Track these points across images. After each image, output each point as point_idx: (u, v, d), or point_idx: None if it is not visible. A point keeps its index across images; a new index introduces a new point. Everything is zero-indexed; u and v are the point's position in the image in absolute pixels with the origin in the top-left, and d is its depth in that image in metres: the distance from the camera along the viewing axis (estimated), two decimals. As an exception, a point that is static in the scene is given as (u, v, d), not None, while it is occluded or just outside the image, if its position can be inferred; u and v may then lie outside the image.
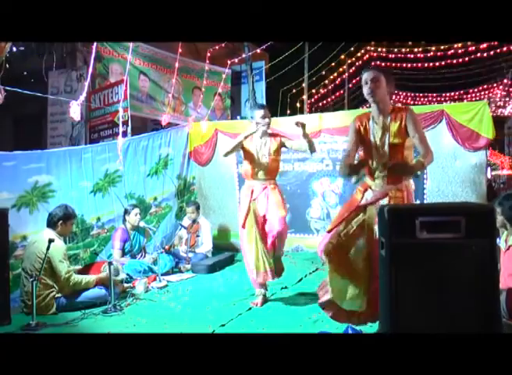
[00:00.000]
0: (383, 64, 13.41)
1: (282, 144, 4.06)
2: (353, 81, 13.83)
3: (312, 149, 3.83)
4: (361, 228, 2.89)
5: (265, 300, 4.10)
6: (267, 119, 3.97)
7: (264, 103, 9.44)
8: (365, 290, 2.86)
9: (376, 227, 2.72)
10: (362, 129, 2.99)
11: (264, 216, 4.02)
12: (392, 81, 3.00)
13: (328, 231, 3.00)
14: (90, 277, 4.08)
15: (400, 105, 6.00)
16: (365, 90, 2.88)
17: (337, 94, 14.97)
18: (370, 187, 2.97)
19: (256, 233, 3.94)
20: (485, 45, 11.07)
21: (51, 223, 4.06)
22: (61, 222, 4.06)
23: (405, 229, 2.07)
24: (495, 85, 15.08)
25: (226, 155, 4.08)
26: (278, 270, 4.14)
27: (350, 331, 3.14)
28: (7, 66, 4.69)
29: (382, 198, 2.87)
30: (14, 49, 5.93)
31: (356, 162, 3.05)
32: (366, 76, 2.87)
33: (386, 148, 2.84)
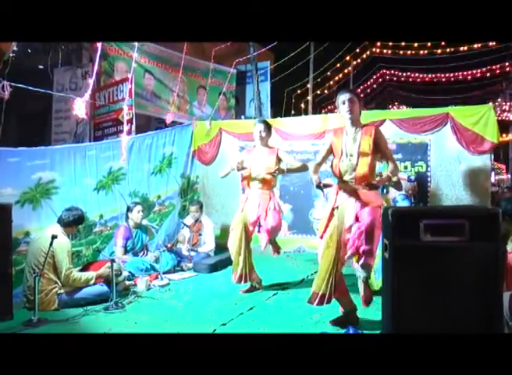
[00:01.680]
0: (388, 66, 13.40)
1: (278, 158, 4.29)
2: (360, 82, 13.83)
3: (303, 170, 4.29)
4: (337, 226, 3.32)
5: (253, 289, 4.45)
6: (263, 134, 4.32)
7: (268, 112, 9.57)
8: (331, 274, 3.31)
9: (345, 220, 3.28)
10: (336, 140, 3.44)
11: (255, 222, 4.33)
12: (362, 102, 3.48)
13: (321, 236, 3.42)
14: (90, 274, 4.10)
15: (397, 108, 5.99)
16: (343, 109, 3.32)
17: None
18: (341, 189, 3.38)
19: (242, 237, 4.30)
20: (491, 48, 11.03)
21: (65, 222, 4.10)
22: (74, 225, 4.23)
23: (409, 231, 2.07)
24: (500, 89, 15.03)
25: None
26: (249, 276, 4.37)
27: (351, 331, 3.15)
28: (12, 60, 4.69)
29: (352, 196, 3.30)
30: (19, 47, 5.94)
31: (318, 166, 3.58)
32: (343, 97, 3.31)
33: (355, 155, 3.27)
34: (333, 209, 3.37)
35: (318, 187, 3.36)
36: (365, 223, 3.18)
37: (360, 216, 3.23)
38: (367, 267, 3.29)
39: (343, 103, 3.30)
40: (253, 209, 4.29)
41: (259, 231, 4.36)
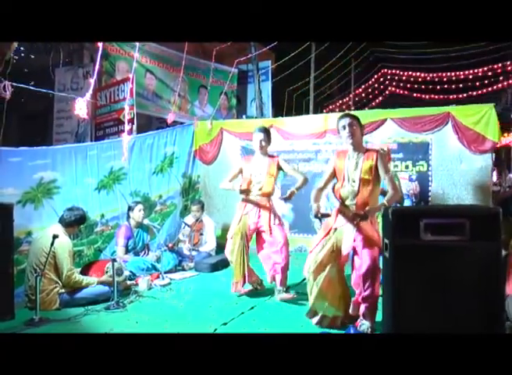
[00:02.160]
0: (389, 65, 13.38)
1: (278, 167, 4.23)
2: (361, 81, 13.82)
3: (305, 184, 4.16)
4: (333, 247, 3.29)
5: (253, 290, 4.41)
6: (263, 143, 4.22)
7: (269, 111, 9.59)
8: (342, 297, 3.34)
9: (343, 247, 3.26)
10: (339, 163, 3.39)
11: (253, 230, 4.30)
12: (362, 125, 3.41)
13: (311, 251, 3.37)
14: (92, 279, 4.11)
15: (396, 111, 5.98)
16: (343, 134, 3.28)
17: (343, 94, 14.93)
18: (341, 212, 3.32)
19: (242, 245, 4.23)
20: (493, 48, 11.01)
21: (66, 222, 4.10)
22: (76, 224, 4.21)
23: (409, 230, 2.07)
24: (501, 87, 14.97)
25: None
26: (244, 282, 4.34)
27: (351, 331, 3.15)
28: (14, 61, 4.69)
29: (351, 222, 3.24)
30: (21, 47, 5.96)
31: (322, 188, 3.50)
32: (343, 121, 3.27)
33: (357, 181, 3.25)
34: (330, 230, 3.33)
35: (316, 216, 3.30)
36: (364, 268, 3.15)
37: (359, 254, 3.21)
38: (370, 316, 3.24)
39: (344, 128, 3.26)
40: (252, 218, 4.24)
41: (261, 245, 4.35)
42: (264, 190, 4.21)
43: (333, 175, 3.45)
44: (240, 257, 4.24)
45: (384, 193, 4.72)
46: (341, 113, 3.63)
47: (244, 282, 4.29)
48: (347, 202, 3.29)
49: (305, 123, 6.45)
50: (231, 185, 4.32)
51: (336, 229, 3.32)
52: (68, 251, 3.96)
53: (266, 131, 4.30)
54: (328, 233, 3.32)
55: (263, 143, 4.22)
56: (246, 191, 4.22)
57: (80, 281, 4.01)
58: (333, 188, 3.44)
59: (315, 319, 3.36)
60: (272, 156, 4.32)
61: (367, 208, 3.15)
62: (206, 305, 4.05)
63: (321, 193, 3.47)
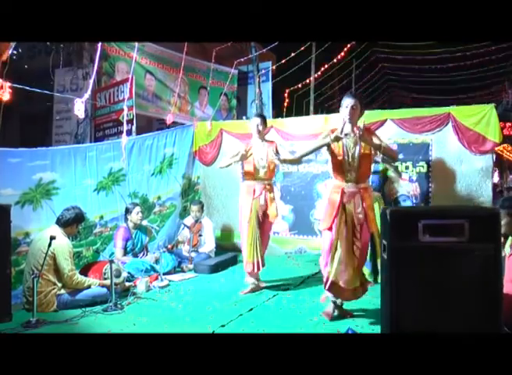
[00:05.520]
0: (389, 65, 13.36)
1: (277, 152, 4.40)
2: (361, 82, 13.80)
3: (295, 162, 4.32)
4: (346, 223, 3.54)
5: (254, 290, 4.50)
6: (260, 127, 4.49)
7: (270, 112, 9.66)
8: (358, 270, 3.57)
9: (354, 217, 3.52)
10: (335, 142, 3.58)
11: (263, 213, 4.52)
12: (363, 106, 3.64)
13: (324, 229, 3.65)
14: (94, 281, 4.10)
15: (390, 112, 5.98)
16: (344, 112, 3.53)
17: (343, 95, 14.86)
18: (344, 189, 3.56)
19: (256, 228, 4.46)
20: (494, 48, 10.98)
21: (62, 222, 4.08)
22: (73, 224, 4.17)
23: (407, 232, 2.05)
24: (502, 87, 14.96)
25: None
26: (262, 264, 4.51)
27: (349, 332, 3.14)
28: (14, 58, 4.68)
29: (357, 195, 3.55)
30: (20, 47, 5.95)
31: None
32: (348, 102, 3.52)
33: (357, 157, 3.51)
34: (339, 207, 3.53)
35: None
36: (360, 245, 3.54)
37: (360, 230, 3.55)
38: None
39: (346, 107, 3.51)
40: (261, 201, 4.48)
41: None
42: (269, 174, 4.53)
43: (319, 149, 3.73)
44: (253, 239, 4.43)
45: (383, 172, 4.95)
46: (348, 92, 3.98)
47: (259, 266, 4.42)
48: (348, 177, 3.55)
49: (305, 124, 6.43)
50: (230, 160, 4.50)
51: (344, 205, 3.55)
52: (68, 252, 3.95)
53: (262, 116, 4.65)
54: (337, 212, 3.53)
55: (260, 127, 4.48)
56: (252, 175, 4.48)
57: (83, 282, 4.00)
58: (332, 166, 3.62)
59: (339, 300, 3.62)
60: (270, 142, 4.58)
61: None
62: (205, 306, 4.03)
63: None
